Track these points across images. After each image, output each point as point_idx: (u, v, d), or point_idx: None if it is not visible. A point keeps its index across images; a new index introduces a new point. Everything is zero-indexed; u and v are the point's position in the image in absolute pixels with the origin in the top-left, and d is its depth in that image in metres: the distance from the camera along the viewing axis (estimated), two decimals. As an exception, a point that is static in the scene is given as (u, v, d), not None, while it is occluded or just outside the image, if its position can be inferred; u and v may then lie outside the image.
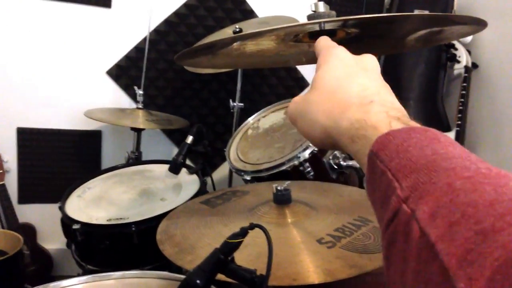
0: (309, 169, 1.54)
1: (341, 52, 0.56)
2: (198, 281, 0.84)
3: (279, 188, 1.18)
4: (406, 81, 2.39)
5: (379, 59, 2.40)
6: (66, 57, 2.25)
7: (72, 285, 1.04)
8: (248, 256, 1.00)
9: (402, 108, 0.48)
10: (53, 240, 2.35)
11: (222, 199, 1.33)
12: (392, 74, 2.41)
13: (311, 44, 0.68)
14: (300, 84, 2.51)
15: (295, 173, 1.55)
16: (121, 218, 1.43)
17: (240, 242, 0.86)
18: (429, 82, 2.37)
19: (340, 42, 0.59)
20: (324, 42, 0.60)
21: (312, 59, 1.11)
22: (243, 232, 0.86)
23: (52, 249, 2.34)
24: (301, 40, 0.69)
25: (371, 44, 0.86)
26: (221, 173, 2.49)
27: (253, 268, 0.85)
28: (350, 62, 0.54)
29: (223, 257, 0.85)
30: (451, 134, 2.21)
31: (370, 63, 0.55)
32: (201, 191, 1.57)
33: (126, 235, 1.39)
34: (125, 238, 1.39)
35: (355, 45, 0.81)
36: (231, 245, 0.86)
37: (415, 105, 2.35)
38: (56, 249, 2.35)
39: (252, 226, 0.87)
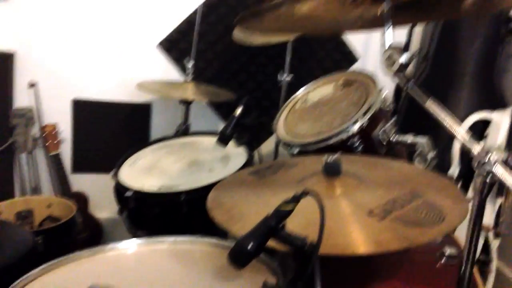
0: (357, 143, 1.51)
1: None
2: (249, 247, 0.85)
3: (329, 159, 1.17)
4: (462, 56, 2.28)
5: (434, 33, 2.31)
6: (119, 30, 2.31)
7: (128, 247, 1.09)
8: (298, 225, 1.00)
9: None
10: (104, 209, 2.45)
11: (270, 171, 1.33)
12: (448, 49, 2.31)
13: (369, 7, 0.66)
14: (349, 58, 2.46)
15: (343, 148, 1.53)
16: (171, 187, 1.46)
17: (292, 210, 0.87)
18: (486, 57, 2.26)
19: (399, 7, 0.56)
20: None
21: (367, 23, 1.07)
22: (295, 199, 0.87)
23: (103, 218, 2.44)
24: (362, 2, 0.67)
25: (429, 8, 0.83)
26: (267, 148, 2.50)
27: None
28: None
29: (274, 223, 0.86)
30: (507, 112, 2.11)
31: None
32: (249, 163, 1.59)
33: (175, 204, 1.42)
34: (174, 207, 1.43)
35: (414, 9, 0.78)
36: (282, 212, 0.86)
37: (470, 81, 2.25)
38: (107, 218, 2.45)
39: (304, 193, 0.87)
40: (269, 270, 0.99)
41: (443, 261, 1.16)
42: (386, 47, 0.88)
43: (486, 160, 0.72)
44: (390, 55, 0.88)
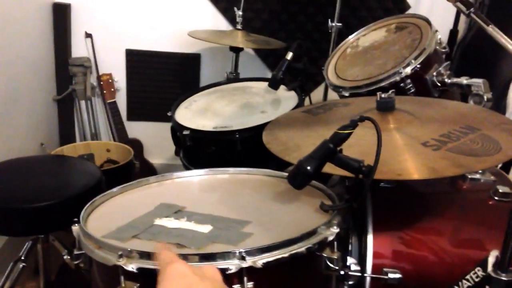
0: (410, 85, 1.51)
1: (179, 266, 0.57)
2: (308, 167, 0.90)
3: (383, 95, 1.18)
4: None
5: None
6: (168, -19, 2.35)
7: (193, 175, 1.17)
8: (353, 154, 1.04)
9: None
10: (157, 156, 2.58)
11: (323, 109, 1.37)
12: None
13: None
14: (401, 6, 2.40)
15: (396, 90, 1.53)
16: (225, 127, 1.53)
17: (350, 133, 0.90)
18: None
19: None
20: (163, 257, 0.61)
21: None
22: (353, 124, 0.90)
23: (157, 163, 2.57)
24: None
25: None
26: (315, 98, 2.51)
27: (360, 161, 0.90)
28: (188, 273, 0.56)
29: (332, 146, 0.90)
30: None
31: (209, 272, 0.59)
32: (299, 106, 1.62)
33: (230, 142, 1.49)
34: (229, 145, 1.50)
35: None
36: (340, 136, 0.90)
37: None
38: (160, 163, 2.57)
39: (362, 118, 0.90)
40: (324, 194, 1.04)
41: (496, 198, 1.17)
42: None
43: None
44: (452, -19, 0.88)
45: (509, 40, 0.80)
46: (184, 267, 0.57)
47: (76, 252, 0.87)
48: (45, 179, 1.53)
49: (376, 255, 1.07)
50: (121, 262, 0.75)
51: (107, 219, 0.96)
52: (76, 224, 0.89)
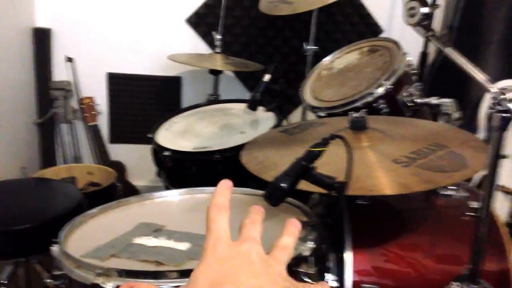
0: (383, 105, 1.57)
1: (221, 240, 0.47)
2: (283, 184, 0.94)
3: (355, 114, 1.23)
4: (488, 24, 2.29)
5: (459, 2, 2.31)
6: (148, 6, 2.40)
7: (173, 195, 1.19)
8: (328, 172, 1.08)
9: None
10: (140, 177, 2.58)
11: (299, 129, 1.41)
12: (473, 18, 2.32)
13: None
14: (374, 30, 2.49)
15: (369, 110, 1.59)
16: (205, 147, 1.56)
17: (322, 151, 0.94)
18: (512, 25, 2.26)
19: None
20: (211, 216, 0.49)
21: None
22: (324, 142, 0.94)
23: (140, 185, 2.57)
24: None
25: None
26: (294, 119, 2.57)
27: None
28: (229, 255, 0.45)
29: (305, 163, 0.94)
30: (535, 79, 2.12)
31: (253, 252, 0.46)
32: (278, 126, 1.66)
33: (210, 162, 1.51)
34: (210, 165, 1.53)
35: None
36: (313, 153, 0.94)
37: (496, 50, 2.26)
38: (143, 185, 2.57)
39: (333, 136, 0.94)
40: (300, 211, 1.08)
41: (468, 214, 1.21)
42: (409, -1, 0.94)
43: (503, 97, 0.78)
44: (411, 6, 0.93)
45: (465, 61, 0.85)
46: (223, 245, 0.47)
47: (55, 272, 0.89)
48: (26, 202, 1.53)
49: (355, 271, 1.10)
50: (100, 281, 0.77)
51: (86, 239, 0.97)
52: (55, 245, 0.90)
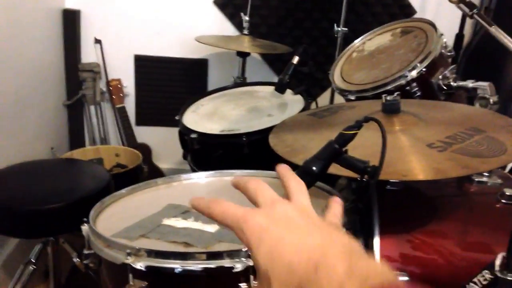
0: (416, 89, 1.52)
1: (277, 201, 0.47)
2: (314, 168, 0.91)
3: (388, 97, 1.19)
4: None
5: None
6: (176, -13, 2.38)
7: (200, 177, 1.18)
8: (359, 156, 1.05)
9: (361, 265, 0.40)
10: (166, 160, 2.60)
11: (328, 112, 1.38)
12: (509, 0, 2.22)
13: None
14: (406, 11, 2.41)
15: (402, 93, 1.53)
16: (232, 130, 1.54)
17: (355, 134, 0.91)
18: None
19: None
20: (262, 192, 0.49)
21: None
22: (358, 125, 0.91)
23: (165, 168, 2.59)
24: None
25: None
26: (322, 102, 2.52)
27: (365, 161, 0.91)
28: (301, 223, 0.45)
29: (338, 147, 0.91)
30: None
31: (308, 211, 0.48)
32: (306, 109, 1.63)
33: (237, 145, 1.50)
34: (236, 148, 1.51)
35: None
36: (346, 136, 0.91)
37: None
38: (168, 168, 2.59)
39: (367, 119, 0.91)
40: (330, 196, 1.05)
41: (503, 201, 1.17)
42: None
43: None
44: (455, -16, 0.89)
45: (511, 39, 0.80)
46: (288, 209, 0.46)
47: (85, 251, 0.89)
48: (55, 182, 1.55)
49: (382, 257, 1.08)
50: (130, 261, 0.77)
51: (116, 219, 0.98)
52: (86, 224, 0.91)
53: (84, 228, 0.91)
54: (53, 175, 1.61)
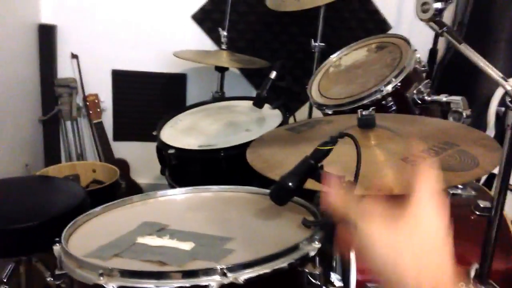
0: (391, 103, 1.54)
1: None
2: (290, 183, 0.91)
3: (363, 112, 1.21)
4: (497, 21, 2.25)
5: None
6: (154, 2, 2.38)
7: (177, 194, 1.17)
8: (335, 171, 1.05)
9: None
10: (144, 176, 2.57)
11: (306, 126, 1.38)
12: (483, 15, 2.29)
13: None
14: (382, 27, 2.46)
15: (377, 108, 1.55)
16: (210, 145, 1.54)
17: (330, 150, 0.92)
18: (524, 22, 2.22)
19: None
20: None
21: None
22: (333, 140, 0.92)
23: (143, 183, 2.56)
24: None
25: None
26: (300, 116, 2.54)
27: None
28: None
29: (313, 162, 0.91)
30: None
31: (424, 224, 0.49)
32: (284, 124, 1.64)
33: (215, 160, 1.50)
34: (214, 163, 1.51)
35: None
36: (321, 152, 0.91)
37: (506, 47, 2.22)
38: (147, 183, 2.56)
39: (341, 135, 0.92)
40: (307, 211, 1.05)
41: (477, 213, 1.18)
42: (422, -6, 0.91)
43: (520, 95, 0.75)
44: (424, 1, 0.91)
45: (480, 57, 0.82)
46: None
47: (57, 272, 0.87)
48: (29, 200, 1.52)
49: (360, 270, 1.08)
50: (102, 281, 0.75)
51: (89, 238, 0.96)
52: (58, 244, 0.89)
53: (56, 248, 0.89)
54: (26, 193, 1.58)
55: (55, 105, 2.39)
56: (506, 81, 0.80)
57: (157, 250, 0.87)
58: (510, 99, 0.77)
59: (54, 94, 2.39)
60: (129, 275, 0.76)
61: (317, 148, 0.92)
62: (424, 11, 0.91)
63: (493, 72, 0.82)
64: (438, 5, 0.89)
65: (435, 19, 0.90)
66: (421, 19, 0.91)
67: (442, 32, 0.87)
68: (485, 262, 0.86)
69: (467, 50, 0.84)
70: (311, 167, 0.91)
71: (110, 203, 1.09)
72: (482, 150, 1.10)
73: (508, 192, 1.94)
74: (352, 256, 1.08)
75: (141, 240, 0.91)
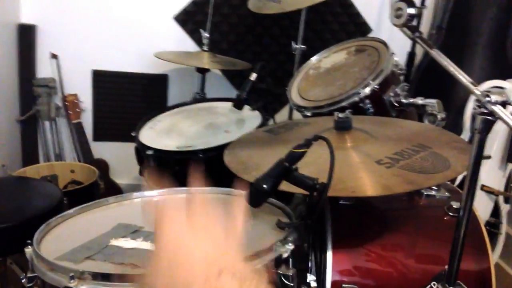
0: (369, 105, 1.56)
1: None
2: (264, 185, 0.92)
3: (340, 115, 1.22)
4: (475, 25, 2.29)
5: (447, 3, 2.31)
6: (137, 3, 2.37)
7: (152, 195, 1.17)
8: (309, 173, 1.06)
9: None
10: (123, 176, 2.55)
11: (284, 128, 1.40)
12: (461, 19, 2.33)
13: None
14: (362, 29, 2.48)
15: (355, 110, 1.57)
16: (189, 146, 1.54)
17: (304, 152, 0.93)
18: (499, 26, 2.26)
19: None
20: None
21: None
22: (307, 143, 0.93)
23: (123, 184, 2.54)
24: None
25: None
26: (281, 117, 2.55)
27: (315, 179, 0.92)
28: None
29: (288, 164, 0.92)
30: (521, 81, 2.13)
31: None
32: (263, 126, 1.65)
33: (194, 162, 1.49)
34: (193, 164, 1.50)
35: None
36: (295, 154, 0.92)
37: (482, 51, 2.26)
38: (127, 184, 2.54)
39: (316, 137, 0.93)
40: (282, 213, 1.06)
41: (450, 214, 1.20)
42: None
43: (487, 100, 0.77)
44: (399, 7, 0.92)
45: (451, 63, 0.84)
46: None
47: (29, 274, 0.86)
48: (4, 201, 1.50)
49: (335, 271, 1.09)
50: (73, 284, 0.75)
51: (62, 240, 0.95)
52: (29, 246, 0.88)
53: (28, 250, 0.88)
54: (2, 194, 1.56)
55: (34, 105, 2.36)
56: (475, 86, 0.82)
57: (130, 252, 0.87)
58: (478, 104, 0.78)
59: (32, 94, 2.36)
60: (101, 278, 0.75)
61: (291, 151, 0.93)
62: (398, 17, 0.92)
63: (463, 78, 0.84)
64: (411, 10, 0.90)
65: (408, 24, 0.91)
66: (395, 25, 0.92)
67: (415, 38, 0.89)
68: (453, 263, 0.87)
69: (438, 56, 0.86)
70: (286, 170, 0.92)
71: (85, 204, 1.08)
72: (454, 152, 1.12)
73: (483, 193, 1.99)
74: (329, 256, 1.09)
75: (114, 242, 0.91)
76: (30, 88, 2.35)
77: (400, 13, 0.92)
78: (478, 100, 0.79)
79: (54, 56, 2.38)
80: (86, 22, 2.38)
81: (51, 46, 2.39)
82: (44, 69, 2.40)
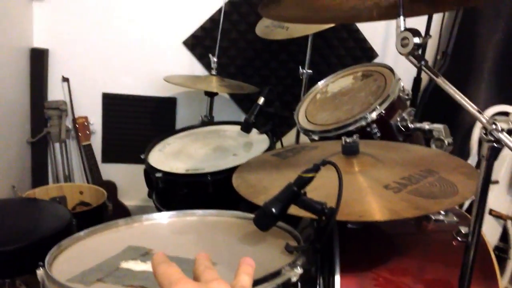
0: (376, 130, 1.57)
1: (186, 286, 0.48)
2: (273, 209, 0.93)
3: (348, 139, 1.23)
4: (480, 51, 2.32)
5: (453, 29, 2.35)
6: (146, 28, 2.43)
7: (162, 218, 1.18)
8: (318, 197, 1.07)
9: None
10: (132, 197, 2.56)
11: (292, 152, 1.41)
12: (466, 45, 2.36)
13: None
14: (368, 54, 2.52)
15: (362, 134, 1.59)
16: (198, 169, 1.55)
17: (313, 177, 0.94)
18: (505, 52, 2.29)
19: None
20: (166, 275, 0.49)
21: (383, 14, 1.15)
22: (316, 168, 0.94)
23: (131, 205, 2.55)
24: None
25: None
26: (288, 140, 2.57)
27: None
28: None
29: (296, 189, 0.93)
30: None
31: None
32: (271, 149, 1.66)
33: (202, 184, 1.51)
34: (201, 187, 1.52)
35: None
36: (304, 179, 0.94)
37: (488, 76, 2.28)
38: (135, 205, 2.56)
39: (324, 162, 0.94)
40: (290, 236, 1.07)
41: (459, 239, 1.20)
42: (402, 29, 0.95)
43: (494, 127, 0.78)
44: (405, 36, 0.94)
45: (456, 90, 0.86)
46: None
47: (40, 296, 0.87)
48: (14, 222, 1.51)
49: (343, 295, 1.09)
50: (84, 306, 0.75)
51: (73, 262, 0.96)
52: (41, 268, 0.89)
53: (39, 272, 0.89)
54: (12, 215, 1.57)
55: (44, 127, 2.40)
56: (481, 114, 0.83)
57: (140, 275, 0.87)
58: (484, 132, 0.79)
59: (43, 116, 2.40)
60: (111, 300, 0.76)
61: (300, 175, 0.94)
62: (404, 46, 0.94)
63: (469, 106, 0.85)
64: (417, 40, 0.92)
65: (414, 53, 0.93)
66: (401, 53, 0.94)
67: (421, 66, 0.91)
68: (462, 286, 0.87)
69: (443, 84, 0.88)
70: (294, 194, 0.94)
71: (95, 226, 1.09)
72: (462, 177, 1.13)
73: (492, 218, 1.98)
74: (337, 280, 1.09)
75: (124, 264, 0.92)
76: (42, 110, 2.39)
77: (405, 42, 0.94)
78: (485, 128, 0.80)
79: (65, 80, 2.43)
80: (96, 47, 2.44)
81: (63, 70, 2.45)
82: (55, 92, 2.45)
